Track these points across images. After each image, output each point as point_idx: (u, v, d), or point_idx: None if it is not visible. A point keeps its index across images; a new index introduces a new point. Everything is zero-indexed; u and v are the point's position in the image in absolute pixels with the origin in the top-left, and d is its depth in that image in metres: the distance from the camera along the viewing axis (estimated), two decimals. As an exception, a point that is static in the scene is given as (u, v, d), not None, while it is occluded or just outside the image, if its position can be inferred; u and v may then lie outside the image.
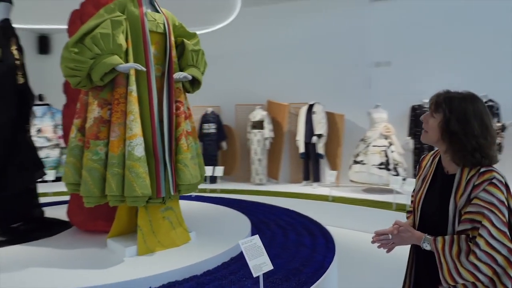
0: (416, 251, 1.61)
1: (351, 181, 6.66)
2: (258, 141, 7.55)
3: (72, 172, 2.54)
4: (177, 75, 2.78)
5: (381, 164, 6.31)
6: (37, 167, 3.18)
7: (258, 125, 7.62)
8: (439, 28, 6.63)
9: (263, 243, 3.09)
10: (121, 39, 2.50)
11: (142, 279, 2.31)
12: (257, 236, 2.19)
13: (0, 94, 2.90)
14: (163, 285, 2.32)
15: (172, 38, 2.86)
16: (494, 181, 1.34)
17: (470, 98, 1.44)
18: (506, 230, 1.32)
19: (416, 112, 6.64)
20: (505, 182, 1.38)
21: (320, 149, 7.21)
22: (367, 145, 6.61)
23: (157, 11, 2.81)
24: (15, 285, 2.16)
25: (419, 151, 6.71)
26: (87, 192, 2.47)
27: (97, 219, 3.02)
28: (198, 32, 6.70)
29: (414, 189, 1.68)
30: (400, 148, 6.59)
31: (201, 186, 6.84)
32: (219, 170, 6.87)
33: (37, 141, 7.36)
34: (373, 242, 1.61)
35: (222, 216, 3.86)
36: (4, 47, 2.96)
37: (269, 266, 2.10)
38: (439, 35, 6.63)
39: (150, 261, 2.57)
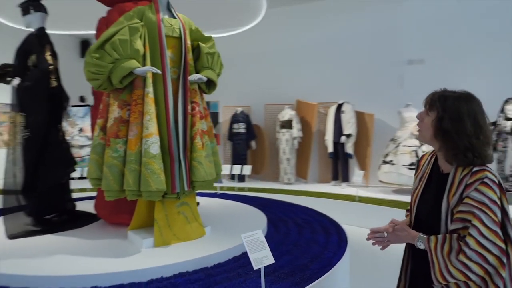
0: (412, 250, 1.63)
1: (380, 181, 6.56)
2: (287, 141, 7.60)
3: (95, 168, 2.76)
4: (192, 77, 2.92)
5: (411, 164, 6.17)
6: (67, 164, 3.45)
7: (287, 124, 7.68)
8: (474, 25, 6.38)
9: (277, 240, 3.21)
10: (139, 44, 2.68)
11: (155, 268, 2.46)
12: (260, 231, 2.28)
13: (34, 97, 3.19)
14: (174, 275, 2.46)
15: (188, 42, 3.01)
16: (486, 180, 1.34)
17: (464, 98, 1.45)
18: (497, 229, 1.32)
19: (450, 111, 6.43)
20: (499, 182, 1.38)
21: (349, 148, 7.15)
22: (397, 145, 6.48)
23: (174, 17, 2.96)
24: (45, 270, 2.38)
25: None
26: (107, 186, 2.68)
27: (121, 212, 3.23)
28: (225, 35, 6.88)
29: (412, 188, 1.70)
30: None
31: (229, 184, 7.07)
32: (247, 169, 6.99)
33: (79, 140, 7.84)
34: (368, 239, 1.65)
35: (240, 213, 3.98)
36: (38, 54, 3.25)
37: (270, 260, 2.19)
38: (475, 32, 6.38)
39: (165, 252, 2.73)
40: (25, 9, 3.41)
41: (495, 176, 1.37)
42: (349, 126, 7.10)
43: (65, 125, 3.53)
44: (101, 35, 2.64)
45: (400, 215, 1.79)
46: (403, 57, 7.08)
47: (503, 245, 1.32)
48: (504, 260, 1.31)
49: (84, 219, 3.51)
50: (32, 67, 3.27)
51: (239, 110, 8.22)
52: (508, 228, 1.37)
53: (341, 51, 7.63)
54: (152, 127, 2.66)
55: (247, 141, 8.15)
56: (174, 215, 2.91)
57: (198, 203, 4.23)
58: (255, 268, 2.12)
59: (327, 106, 7.66)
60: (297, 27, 8.03)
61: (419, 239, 1.46)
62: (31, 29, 3.42)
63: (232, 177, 7.88)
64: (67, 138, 5.57)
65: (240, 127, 8.12)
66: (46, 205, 3.39)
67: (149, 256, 2.66)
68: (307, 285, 2.31)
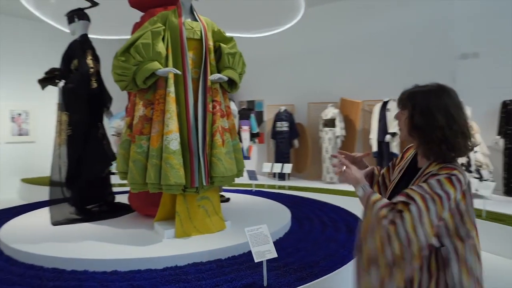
0: None
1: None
2: (330, 139, 7.52)
3: (122, 162, 2.99)
4: (213, 76, 3.05)
5: (461, 165, 5.81)
6: (106, 160, 3.75)
7: (330, 123, 7.59)
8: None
9: (298, 237, 3.24)
10: (160, 47, 2.86)
11: (171, 257, 2.63)
12: (265, 226, 2.34)
13: (76, 98, 3.52)
14: (188, 264, 2.61)
15: (210, 43, 3.14)
16: (452, 177, 1.31)
17: (434, 91, 1.43)
18: (436, 224, 1.28)
19: (507, 108, 5.98)
20: (467, 184, 1.35)
21: (394, 148, 6.89)
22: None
23: (196, 20, 3.11)
24: (74, 253, 2.64)
25: (509, 152, 6.03)
26: (132, 179, 2.89)
27: (151, 205, 3.45)
28: (266, 34, 6.94)
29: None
30: (485, 149, 5.98)
31: (271, 182, 7.12)
32: (287, 167, 7.03)
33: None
34: (332, 156, 1.76)
35: (267, 209, 4.05)
36: (80, 58, 3.57)
37: (272, 254, 2.25)
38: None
39: (184, 243, 2.89)
40: (71, 18, 3.77)
41: (464, 177, 1.33)
42: (395, 124, 6.85)
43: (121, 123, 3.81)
44: (127, 40, 2.86)
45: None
46: (454, 52, 6.68)
47: (433, 242, 1.29)
48: (424, 252, 1.27)
49: (121, 210, 3.79)
50: (75, 70, 3.60)
51: (283, 108, 8.27)
52: (460, 229, 1.34)
53: (387, 47, 7.38)
54: (172, 124, 2.83)
55: (290, 139, 8.17)
56: (194, 208, 3.06)
57: (228, 199, 4.39)
58: (256, 260, 2.19)
59: (372, 104, 7.45)
60: (339, 24, 7.91)
61: (363, 187, 1.46)
62: (76, 36, 3.77)
63: (274, 175, 7.96)
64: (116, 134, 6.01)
65: (283, 126, 8.16)
66: (87, 196, 3.71)
67: (169, 246, 2.83)
68: (312, 281, 2.33)
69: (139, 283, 2.30)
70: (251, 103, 9.39)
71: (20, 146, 8.09)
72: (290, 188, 6.98)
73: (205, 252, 2.73)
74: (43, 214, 3.68)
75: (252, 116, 8.70)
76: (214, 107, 3.09)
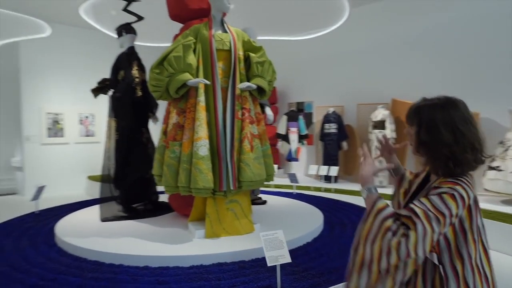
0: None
1: (485, 189, 5.87)
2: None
3: (158, 166, 3.24)
4: (242, 85, 3.18)
5: (494, 168, 5.43)
6: (150, 162, 4.04)
7: (379, 125, 7.39)
8: None
9: (325, 242, 3.28)
10: (191, 59, 3.05)
11: (197, 256, 2.81)
12: (280, 231, 2.43)
13: (122, 105, 3.86)
14: (212, 264, 2.77)
15: (240, 53, 3.29)
16: (455, 194, 1.28)
17: (441, 105, 1.39)
18: (435, 240, 1.28)
19: None
20: (473, 200, 1.32)
21: (448, 151, 6.55)
22: (506, 149, 5.72)
23: (226, 32, 3.26)
24: (112, 248, 2.93)
25: None
26: (166, 182, 3.13)
27: (187, 205, 3.68)
28: (313, 36, 6.93)
29: None
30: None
31: (317, 184, 7.10)
32: (334, 170, 6.98)
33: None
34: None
35: (300, 214, 4.10)
36: (126, 69, 3.91)
37: (286, 259, 2.33)
38: None
39: (212, 243, 3.06)
40: (119, 33, 4.12)
41: (467, 193, 1.30)
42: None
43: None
44: (162, 53, 3.09)
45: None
46: (518, 47, 6.17)
47: (429, 257, 1.30)
48: (419, 262, 1.26)
49: (163, 209, 4.07)
50: (121, 80, 3.94)
51: (331, 110, 8.19)
52: (462, 248, 1.31)
53: (440, 45, 7.01)
54: (201, 131, 3.01)
55: (338, 141, 8.08)
56: (224, 211, 3.22)
57: (265, 201, 4.51)
58: (268, 264, 2.29)
59: (426, 105, 7.12)
60: (389, 22, 7.65)
61: (368, 189, 1.41)
62: (124, 49, 4.12)
63: (321, 177, 7.92)
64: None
65: (332, 128, 8.09)
66: (133, 195, 4.04)
67: (198, 245, 3.02)
68: (326, 287, 2.37)
69: (164, 279, 2.50)
70: (300, 104, 9.41)
71: (87, 146, 8.89)
72: (336, 191, 6.91)
73: (230, 253, 2.87)
74: (95, 211, 4.07)
75: (301, 117, 8.72)
76: (243, 114, 3.22)
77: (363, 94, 8.09)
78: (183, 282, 2.47)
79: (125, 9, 4.06)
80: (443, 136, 1.35)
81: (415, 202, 1.32)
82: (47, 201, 5.77)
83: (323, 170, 7.04)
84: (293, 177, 5.49)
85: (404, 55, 7.47)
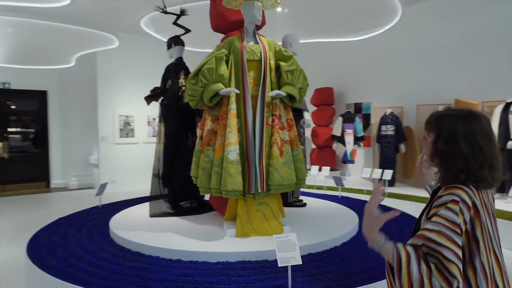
0: None
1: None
2: (439, 145, 6.97)
3: (194, 168, 3.52)
4: (271, 93, 3.34)
5: None
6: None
7: (440, 127, 7.02)
8: None
9: (353, 247, 3.34)
10: (223, 70, 3.29)
11: (225, 253, 3.03)
12: (294, 234, 2.55)
13: (169, 112, 4.23)
14: (237, 261, 2.97)
15: (272, 62, 3.45)
16: (456, 199, 1.29)
17: (464, 117, 1.38)
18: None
19: None
20: (474, 203, 1.31)
21: (517, 156, 6.05)
22: None
23: (257, 43, 3.44)
24: (152, 241, 3.26)
25: None
26: (201, 184, 3.40)
27: (225, 205, 3.92)
28: (369, 36, 6.83)
29: None
30: None
31: (372, 187, 6.96)
32: (388, 174, 6.80)
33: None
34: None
35: (336, 217, 4.13)
36: (173, 79, 4.27)
37: (297, 261, 2.45)
38: None
39: (241, 242, 3.26)
40: (169, 45, 4.51)
41: (470, 197, 1.30)
42: (517, 129, 6.01)
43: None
44: (197, 65, 3.37)
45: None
46: None
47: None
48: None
49: (207, 208, 4.37)
50: (169, 89, 4.32)
51: (388, 111, 7.96)
52: (476, 257, 1.31)
53: (507, 43, 6.47)
54: (231, 137, 3.23)
55: (395, 144, 7.83)
56: (253, 212, 3.41)
57: (304, 204, 4.61)
58: (279, 265, 2.43)
59: (493, 105, 6.64)
60: (451, 19, 7.24)
61: (379, 246, 1.38)
62: (173, 59, 4.49)
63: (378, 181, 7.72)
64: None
65: (389, 129, 7.86)
66: (180, 194, 4.40)
67: (228, 243, 3.25)
68: (338, 291, 2.44)
69: (190, 272, 2.76)
70: (358, 105, 9.26)
71: (154, 146, 9.67)
72: (390, 195, 6.74)
73: (255, 252, 3.05)
74: (147, 207, 4.50)
75: (357, 119, 8.59)
76: (273, 121, 3.38)
77: (423, 94, 7.75)
78: (206, 276, 2.70)
79: (174, 23, 4.42)
80: (461, 149, 1.34)
81: (428, 226, 1.31)
82: (117, 195, 6.47)
83: (377, 173, 6.88)
84: (338, 180, 5.49)
85: (468, 53, 7.03)
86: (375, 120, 8.68)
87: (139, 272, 2.76)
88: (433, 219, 1.31)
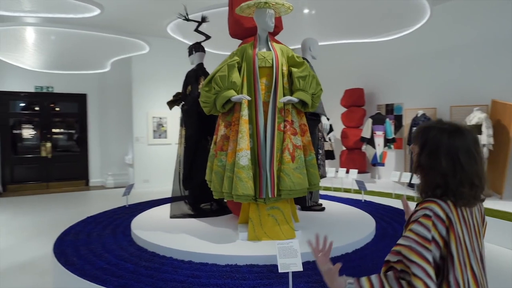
0: None
1: None
2: (474, 148, 6.68)
3: (209, 172, 3.63)
4: (283, 99, 3.38)
5: None
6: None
7: (475, 129, 6.73)
8: None
9: (365, 254, 3.32)
10: (235, 77, 3.36)
11: (235, 256, 3.11)
12: (296, 241, 2.59)
13: (189, 116, 4.36)
14: (246, 265, 3.04)
15: (284, 68, 3.49)
16: (428, 212, 1.29)
17: (449, 132, 1.37)
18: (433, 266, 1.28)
19: None
20: (448, 217, 1.30)
21: (557, 161, 5.69)
22: None
23: (270, 49, 3.49)
24: (174, 243, 3.39)
25: None
26: (214, 188, 3.50)
27: (240, 208, 4.01)
28: (399, 36, 6.67)
29: None
30: None
31: (402, 191, 6.75)
32: (417, 178, 6.60)
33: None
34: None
35: (353, 223, 4.09)
36: (193, 84, 4.40)
37: (298, 268, 2.48)
38: None
39: (252, 246, 3.33)
40: (190, 51, 4.65)
41: (443, 211, 1.30)
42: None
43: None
44: (211, 73, 3.47)
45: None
46: None
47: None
48: None
49: (226, 210, 4.48)
50: (189, 94, 4.46)
51: (420, 113, 7.73)
52: (450, 273, 1.29)
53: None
54: (243, 143, 3.30)
55: (427, 146, 7.58)
56: (265, 217, 3.47)
57: (323, 208, 4.61)
58: (280, 271, 2.47)
59: (532, 106, 6.29)
60: (487, 17, 6.90)
61: (349, 287, 1.34)
62: (193, 65, 4.63)
63: (409, 184, 7.53)
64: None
65: (420, 131, 7.62)
66: (200, 196, 4.53)
67: (239, 246, 3.33)
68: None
69: (198, 273, 2.86)
70: (389, 106, 9.03)
71: (185, 146, 9.96)
72: (418, 199, 6.54)
73: (264, 256, 3.10)
74: (168, 208, 4.68)
75: (388, 121, 8.40)
76: (285, 126, 3.42)
77: (457, 95, 7.46)
78: (213, 278, 2.79)
79: (196, 30, 4.56)
80: (442, 164, 1.33)
81: (400, 241, 1.33)
82: (150, 194, 6.74)
83: (406, 177, 6.70)
84: (361, 184, 5.42)
85: (504, 53, 6.68)
86: (407, 121, 8.45)
87: (151, 272, 2.90)
88: (405, 233, 1.33)
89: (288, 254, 2.53)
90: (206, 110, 3.57)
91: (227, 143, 3.48)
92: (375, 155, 8.45)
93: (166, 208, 4.72)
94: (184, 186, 4.53)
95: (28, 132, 10.14)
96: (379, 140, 8.41)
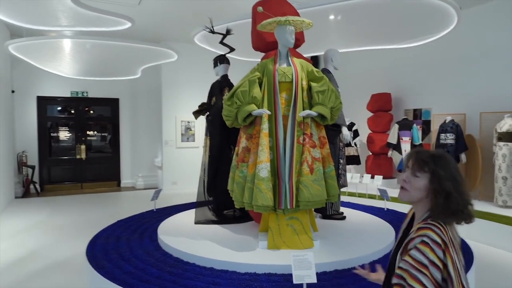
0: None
1: None
2: (504, 156, 6.56)
3: (231, 182, 3.78)
4: (302, 113, 3.48)
5: None
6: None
7: (506, 137, 6.59)
8: None
9: (383, 266, 3.33)
10: (256, 92, 3.50)
11: (254, 264, 3.23)
12: (311, 253, 2.69)
13: (213, 127, 4.53)
14: (264, 273, 3.16)
15: (304, 83, 3.59)
16: (426, 239, 1.38)
17: (446, 157, 1.52)
18: None
19: None
20: (443, 241, 1.38)
21: None
22: None
23: (290, 65, 3.60)
24: (197, 250, 3.57)
25: None
26: (235, 197, 3.65)
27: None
28: (423, 42, 6.61)
29: None
30: None
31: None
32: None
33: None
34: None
35: (373, 232, 4.13)
36: (217, 96, 4.56)
37: (312, 279, 2.58)
38: None
39: (271, 254, 3.45)
40: (215, 63, 4.82)
41: (439, 236, 1.39)
42: None
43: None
44: (233, 87, 3.62)
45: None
46: None
47: None
48: None
49: (248, 217, 4.62)
50: (213, 105, 4.63)
51: (448, 119, 7.60)
52: None
53: None
54: (263, 156, 3.43)
55: (455, 153, 7.44)
56: (284, 226, 3.58)
57: (344, 217, 4.67)
58: (294, 282, 2.58)
59: None
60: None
61: None
62: (218, 77, 4.80)
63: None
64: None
65: (448, 138, 7.52)
66: (224, 203, 4.69)
67: (258, 254, 3.46)
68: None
69: (219, 281, 3.01)
70: (417, 111, 8.91)
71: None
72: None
73: (282, 265, 3.21)
74: (193, 214, 4.87)
75: (415, 126, 8.30)
76: (304, 139, 3.52)
77: (488, 102, 7.29)
78: (232, 286, 2.94)
79: (220, 42, 4.72)
80: (461, 185, 1.47)
81: (401, 264, 1.44)
82: (178, 196, 6.99)
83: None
84: (383, 193, 5.42)
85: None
86: (434, 127, 8.32)
87: (174, 278, 3.08)
88: (405, 258, 1.42)
89: (303, 266, 2.64)
90: (228, 123, 3.72)
91: (248, 155, 3.62)
92: (401, 161, 8.36)
93: (191, 214, 4.91)
94: (208, 193, 4.71)
95: (64, 135, 10.70)
96: (405, 146, 8.32)
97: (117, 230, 4.47)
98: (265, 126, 3.50)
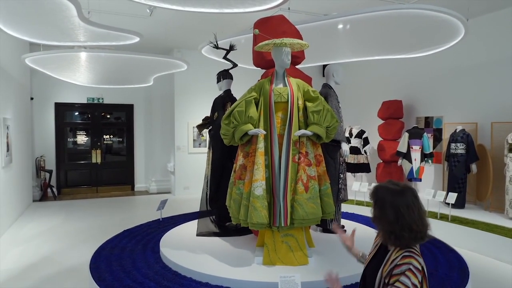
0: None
1: None
2: (515, 168, 6.44)
3: (228, 198, 3.88)
4: (297, 133, 3.56)
5: None
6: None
7: (517, 147, 6.47)
8: None
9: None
10: (252, 112, 3.59)
11: (247, 281, 3.33)
12: (298, 275, 2.77)
13: (215, 141, 4.64)
14: (257, 290, 3.26)
15: (300, 102, 3.66)
16: (412, 268, 1.66)
17: (391, 191, 1.78)
18: None
19: None
20: (422, 268, 1.68)
21: None
22: None
23: (286, 85, 3.67)
24: (194, 264, 3.69)
25: None
26: (232, 214, 3.75)
27: (261, 230, 4.22)
28: (433, 52, 6.59)
29: None
30: None
31: (431, 207, 6.60)
32: (452, 197, 6.47)
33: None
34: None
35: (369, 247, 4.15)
36: (219, 111, 4.67)
37: (298, 301, 2.65)
38: None
39: (266, 271, 3.54)
40: (218, 78, 4.93)
41: (419, 263, 1.68)
42: None
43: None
44: (231, 107, 3.72)
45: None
46: None
47: None
48: None
49: (248, 229, 4.70)
50: (215, 120, 4.74)
51: (459, 128, 7.51)
52: None
53: None
54: (258, 174, 3.52)
55: (466, 163, 7.35)
56: (279, 243, 3.66)
57: (344, 231, 4.71)
58: (280, 303, 2.65)
59: None
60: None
61: None
62: (221, 92, 4.91)
63: (446, 202, 7.33)
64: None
65: (458, 148, 7.42)
66: (225, 215, 4.79)
67: (254, 270, 3.55)
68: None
69: (211, 297, 3.13)
70: (429, 119, 8.81)
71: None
72: (453, 219, 6.43)
73: (275, 283, 3.28)
74: (195, 225, 4.99)
75: (425, 135, 8.22)
76: (299, 158, 3.59)
77: (500, 111, 7.17)
78: (224, 302, 3.05)
79: (224, 58, 4.83)
80: (388, 216, 1.74)
81: None
82: (190, 201, 7.15)
83: (441, 195, 6.56)
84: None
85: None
86: (446, 135, 8.22)
87: (170, 293, 3.20)
88: (396, 284, 1.66)
89: (289, 287, 2.71)
90: (226, 141, 3.82)
91: (245, 172, 3.71)
92: (411, 170, 8.29)
93: (193, 225, 5.04)
94: (210, 205, 4.82)
95: (80, 139, 11.04)
96: (415, 155, 8.25)
97: (122, 240, 4.64)
98: (260, 145, 3.58)
